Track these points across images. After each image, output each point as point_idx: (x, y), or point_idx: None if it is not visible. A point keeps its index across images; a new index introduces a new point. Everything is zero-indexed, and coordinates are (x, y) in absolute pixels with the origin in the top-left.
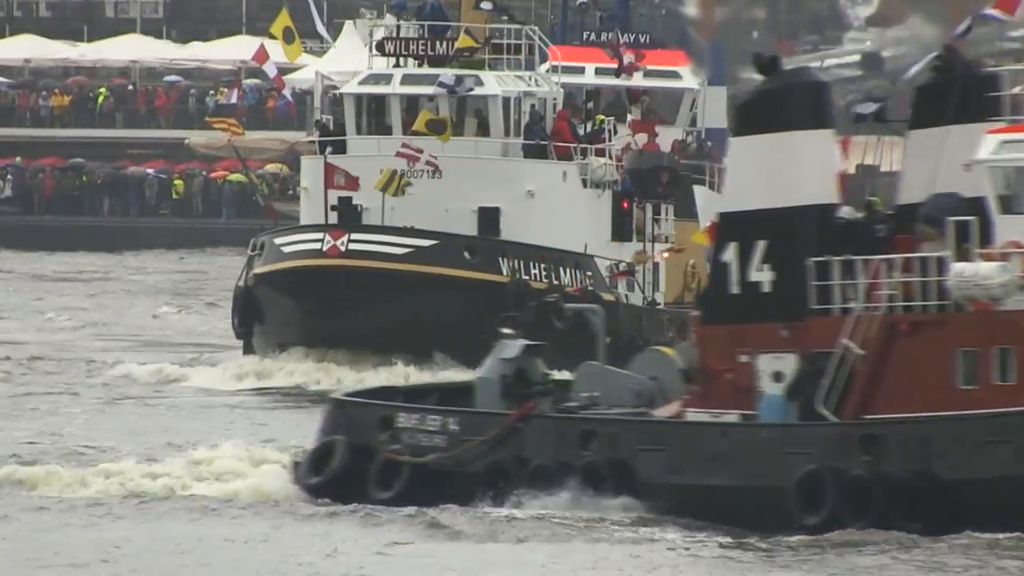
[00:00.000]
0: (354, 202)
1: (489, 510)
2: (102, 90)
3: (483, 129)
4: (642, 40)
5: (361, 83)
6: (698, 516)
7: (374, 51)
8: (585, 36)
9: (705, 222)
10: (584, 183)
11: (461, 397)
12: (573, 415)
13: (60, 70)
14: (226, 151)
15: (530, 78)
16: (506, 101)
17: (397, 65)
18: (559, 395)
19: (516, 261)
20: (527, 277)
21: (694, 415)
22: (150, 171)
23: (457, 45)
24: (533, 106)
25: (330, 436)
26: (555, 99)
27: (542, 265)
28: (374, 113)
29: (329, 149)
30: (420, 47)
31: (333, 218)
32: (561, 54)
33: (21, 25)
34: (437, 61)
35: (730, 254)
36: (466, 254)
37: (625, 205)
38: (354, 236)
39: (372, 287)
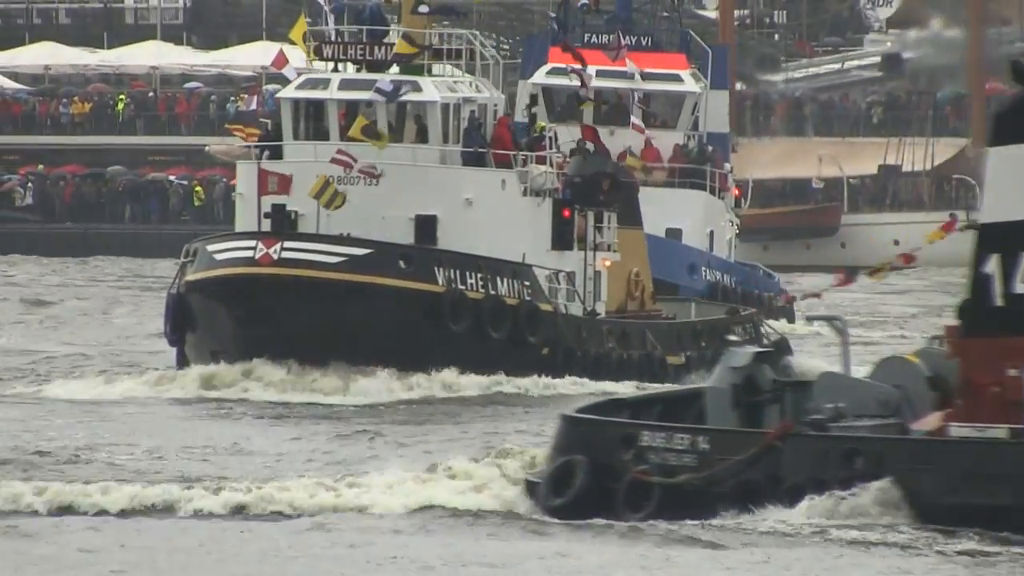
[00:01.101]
0: (290, 208)
1: (744, 526)
2: (122, 97)
3: (422, 135)
4: (644, 43)
5: (299, 88)
6: (973, 535)
7: (312, 55)
8: (586, 38)
9: (706, 227)
10: (524, 191)
11: (686, 408)
12: (833, 433)
13: (80, 77)
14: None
15: (471, 84)
16: (445, 107)
17: (336, 70)
18: (788, 403)
19: (452, 270)
20: (463, 287)
21: (959, 431)
22: (172, 178)
23: (394, 51)
24: (473, 112)
25: (567, 455)
26: (496, 105)
27: (479, 274)
28: (312, 118)
29: (266, 154)
30: (359, 51)
31: (268, 225)
32: (560, 56)
33: (41, 32)
34: (376, 66)
35: (992, 266)
36: (401, 263)
37: (567, 213)
38: (287, 244)
39: (304, 296)
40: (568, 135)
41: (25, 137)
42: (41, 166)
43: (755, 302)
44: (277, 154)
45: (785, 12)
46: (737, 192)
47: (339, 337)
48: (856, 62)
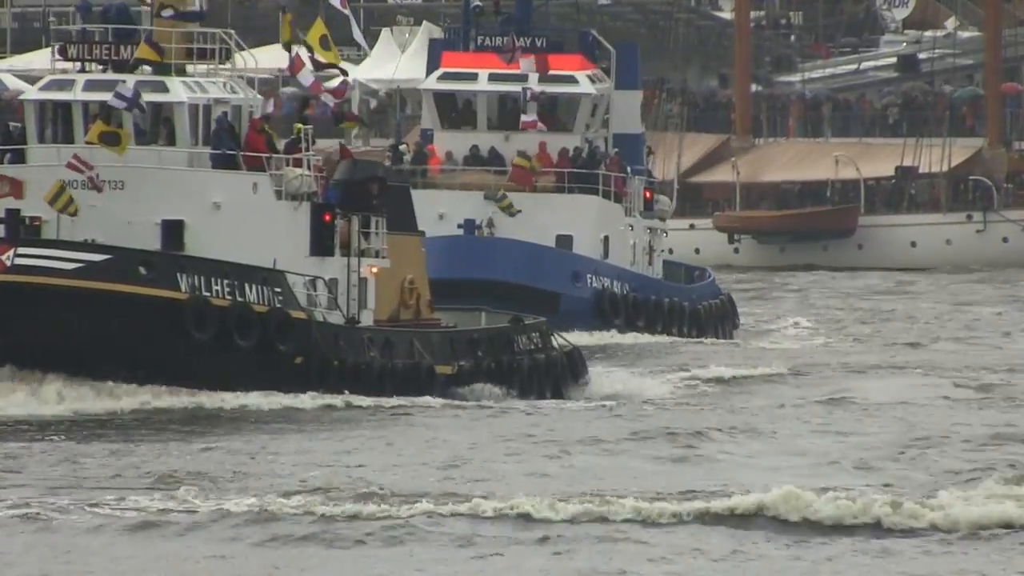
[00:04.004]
0: (32, 214)
1: None
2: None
3: (172, 138)
4: (539, 44)
5: (42, 89)
6: None
7: (57, 55)
8: (479, 41)
9: (600, 233)
10: (279, 195)
11: None
12: None
13: None
14: None
15: (225, 85)
16: (194, 108)
17: (83, 70)
18: None
19: (196, 277)
20: (208, 294)
21: None
22: None
23: (136, 55)
24: (225, 114)
25: None
26: (252, 107)
27: (225, 281)
28: (60, 121)
29: (8, 157)
30: (104, 51)
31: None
32: (453, 60)
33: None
34: (122, 66)
35: None
36: (141, 269)
37: (327, 218)
38: (21, 250)
39: (39, 304)
40: (459, 142)
41: None
42: None
43: (650, 308)
44: (22, 157)
45: (801, 13)
46: (648, 194)
47: (76, 347)
48: (872, 63)
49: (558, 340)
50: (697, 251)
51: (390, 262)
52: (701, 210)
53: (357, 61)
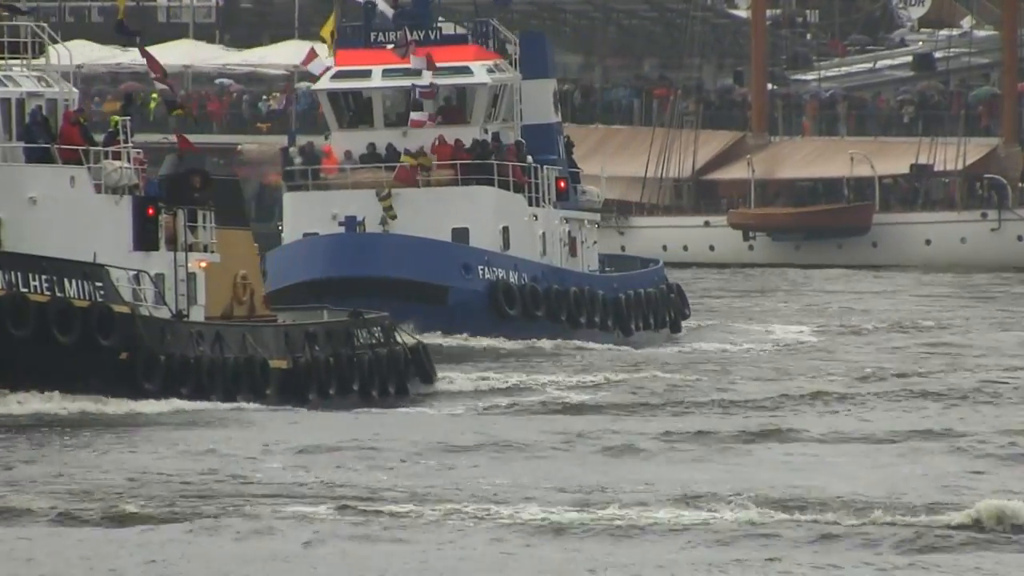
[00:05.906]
0: None
1: None
2: (154, 95)
3: None
4: (432, 37)
5: None
6: None
7: None
8: (374, 37)
9: (498, 224)
10: (98, 188)
11: None
12: None
13: (112, 76)
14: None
15: (39, 79)
16: (5, 103)
17: None
18: None
19: (12, 272)
20: (25, 289)
21: None
22: None
23: None
24: (39, 108)
25: None
26: (67, 100)
27: (43, 276)
28: None
29: None
30: None
31: None
32: (347, 58)
33: (73, 31)
34: None
35: None
36: None
37: (151, 211)
38: None
39: None
40: (357, 140)
41: None
42: None
43: (551, 298)
44: None
45: (817, 11)
46: (562, 184)
47: None
48: (888, 61)
49: (403, 336)
50: (712, 248)
51: (220, 257)
52: (716, 207)
53: None
